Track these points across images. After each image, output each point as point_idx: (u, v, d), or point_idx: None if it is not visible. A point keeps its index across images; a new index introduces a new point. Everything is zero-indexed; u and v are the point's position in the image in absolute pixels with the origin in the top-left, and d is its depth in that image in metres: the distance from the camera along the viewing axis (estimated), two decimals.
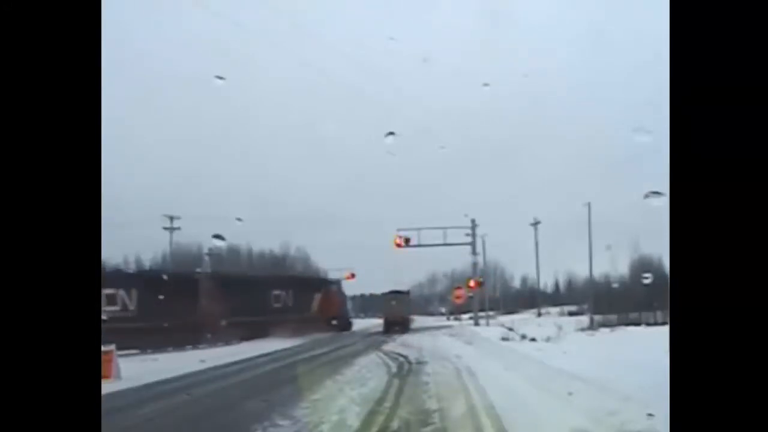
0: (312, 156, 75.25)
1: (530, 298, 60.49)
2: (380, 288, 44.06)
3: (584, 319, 32.89)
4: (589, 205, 35.19)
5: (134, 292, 25.53)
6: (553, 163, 72.77)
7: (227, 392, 11.80)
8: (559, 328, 22.85)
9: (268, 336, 27.70)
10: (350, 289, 44.90)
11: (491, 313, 43.61)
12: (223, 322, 26.18)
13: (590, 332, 25.94)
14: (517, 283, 72.23)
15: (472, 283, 39.54)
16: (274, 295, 33.58)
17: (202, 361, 17.77)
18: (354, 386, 10.82)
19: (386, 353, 18.99)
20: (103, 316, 24.15)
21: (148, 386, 12.77)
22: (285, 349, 22.81)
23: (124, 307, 25.15)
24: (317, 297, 36.74)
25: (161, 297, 24.31)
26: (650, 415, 5.84)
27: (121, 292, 25.13)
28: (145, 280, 27.40)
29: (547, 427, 6.63)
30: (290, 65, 70.46)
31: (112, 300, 24.31)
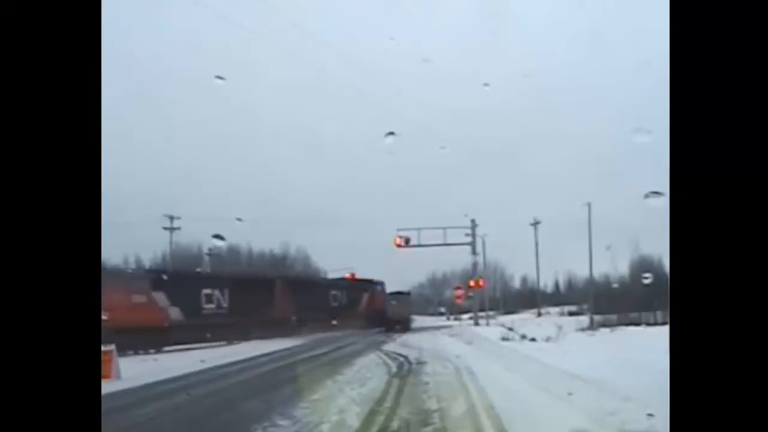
0: (312, 156, 75.18)
1: (530, 298, 60.47)
2: None
3: (584, 319, 32.90)
4: (589, 205, 35.26)
5: (226, 292, 29.19)
6: (553, 163, 72.79)
7: (227, 392, 11.80)
8: (559, 328, 22.85)
9: (330, 330, 32.05)
10: None
11: (491, 313, 43.78)
12: (294, 318, 31.48)
13: (590, 332, 25.94)
14: (517, 283, 72.25)
15: (473, 283, 39.52)
16: (332, 295, 39.06)
17: (202, 361, 17.78)
18: (354, 386, 10.82)
19: (386, 353, 19.00)
20: (203, 312, 27.67)
21: (147, 386, 12.77)
22: (285, 349, 22.83)
23: (219, 305, 28.84)
24: (365, 297, 42.65)
25: (247, 296, 29.42)
26: (650, 415, 5.84)
27: (216, 292, 28.71)
28: (233, 282, 30.84)
29: (547, 427, 6.63)
30: (290, 65, 70.55)
31: (209, 299, 28.45)
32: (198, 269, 37.88)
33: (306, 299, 33.73)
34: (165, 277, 26.73)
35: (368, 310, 41.60)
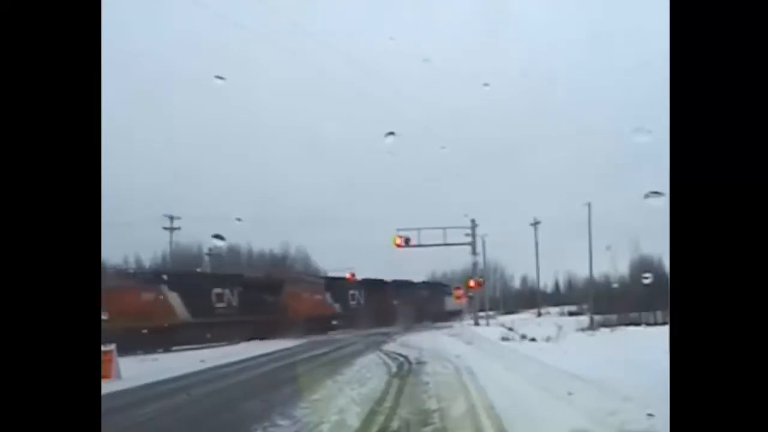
0: (312, 156, 75.22)
1: (530, 298, 60.49)
2: None
3: (584, 319, 32.87)
4: (589, 205, 35.22)
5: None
6: (553, 163, 72.88)
7: (226, 392, 11.80)
8: (559, 328, 22.83)
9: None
10: None
11: (491, 313, 43.94)
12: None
13: (590, 332, 25.92)
14: (517, 283, 72.36)
15: (472, 283, 39.52)
16: (350, 294, 41.80)
17: (202, 361, 17.78)
18: (354, 386, 10.83)
19: (386, 353, 19.00)
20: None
21: (147, 386, 12.78)
22: (286, 349, 22.83)
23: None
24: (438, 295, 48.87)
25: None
26: (650, 415, 5.84)
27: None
28: (329, 283, 36.84)
29: (547, 427, 6.63)
30: (290, 65, 70.63)
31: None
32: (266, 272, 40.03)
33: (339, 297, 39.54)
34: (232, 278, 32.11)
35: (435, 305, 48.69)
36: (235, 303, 30.99)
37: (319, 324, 34.83)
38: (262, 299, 32.37)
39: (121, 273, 29.73)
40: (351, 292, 40.52)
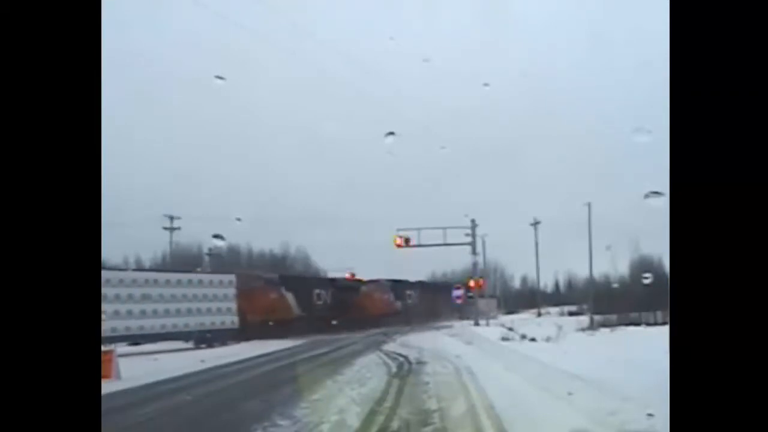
0: (312, 156, 75.19)
1: (530, 298, 60.48)
2: None
3: (584, 319, 32.86)
4: (589, 205, 35.18)
5: (330, 292, 38.65)
6: (553, 163, 72.92)
7: (226, 392, 11.80)
8: (559, 328, 22.82)
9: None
10: None
11: (491, 313, 43.82)
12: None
13: (590, 332, 25.91)
14: (517, 283, 72.33)
15: (472, 283, 39.53)
16: (407, 294, 47.99)
17: (202, 361, 17.79)
18: (354, 386, 10.83)
19: (386, 353, 19.00)
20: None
21: (147, 386, 12.78)
22: (285, 349, 22.84)
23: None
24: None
25: (345, 296, 39.10)
26: (650, 415, 5.84)
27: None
28: (335, 284, 40.44)
29: (547, 427, 6.63)
30: (290, 65, 70.59)
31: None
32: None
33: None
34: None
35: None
36: (328, 301, 38.56)
37: (385, 318, 41.57)
38: (346, 298, 39.97)
39: (254, 277, 34.01)
40: (408, 292, 47.46)
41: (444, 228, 35.93)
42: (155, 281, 26.55)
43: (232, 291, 29.64)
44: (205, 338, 26.68)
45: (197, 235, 44.16)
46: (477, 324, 36.20)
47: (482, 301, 49.37)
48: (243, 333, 28.46)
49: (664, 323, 23.06)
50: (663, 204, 3.81)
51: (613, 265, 35.18)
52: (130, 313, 24.48)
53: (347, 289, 40.77)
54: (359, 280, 43.54)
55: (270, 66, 66.42)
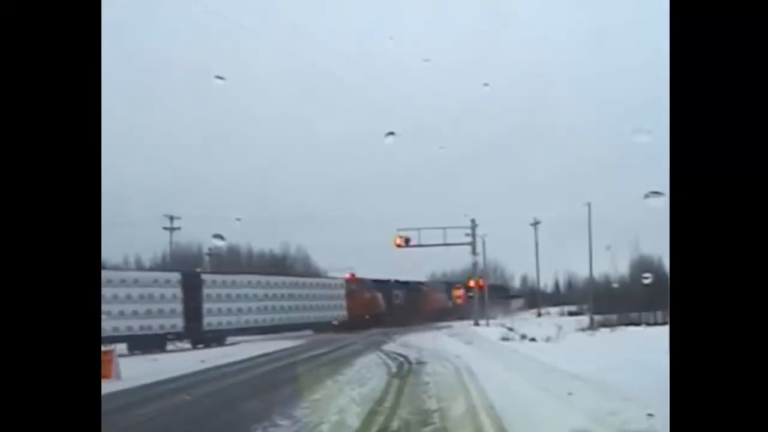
0: (312, 156, 75.26)
1: (530, 298, 60.43)
2: None
3: (584, 319, 32.85)
4: (589, 205, 35.18)
5: (402, 293, 45.38)
6: (553, 163, 72.88)
7: (226, 392, 11.80)
8: (559, 328, 22.81)
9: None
10: None
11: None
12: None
13: (590, 332, 25.89)
14: (517, 283, 72.24)
15: (472, 283, 39.52)
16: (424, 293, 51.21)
17: (202, 361, 17.79)
18: (354, 386, 10.83)
19: (386, 353, 18.99)
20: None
21: (147, 386, 12.78)
22: (285, 349, 22.84)
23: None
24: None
25: (413, 295, 45.91)
26: (650, 415, 5.84)
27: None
28: (406, 286, 46.50)
29: (547, 427, 6.63)
30: (290, 65, 70.45)
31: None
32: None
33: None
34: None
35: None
36: (402, 300, 45.32)
37: (440, 314, 46.30)
38: (414, 297, 46.66)
39: (355, 280, 40.81)
40: (456, 292, 51.84)
41: (444, 228, 35.98)
42: (283, 283, 34.15)
43: (342, 292, 38.40)
44: (325, 328, 34.95)
45: (197, 235, 44.17)
46: (477, 324, 36.20)
47: (514, 302, 54.34)
48: (350, 323, 36.59)
49: (664, 323, 23.03)
50: (663, 204, 3.80)
51: (613, 265, 35.09)
52: (275, 308, 32.21)
53: (413, 290, 48.13)
54: (420, 282, 51.30)
55: (270, 66, 66.36)
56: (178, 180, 57.45)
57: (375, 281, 42.76)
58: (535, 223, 51.09)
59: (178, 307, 26.83)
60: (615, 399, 7.14)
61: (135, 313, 25.04)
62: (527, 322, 34.26)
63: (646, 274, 23.80)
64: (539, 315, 48.42)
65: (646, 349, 10.83)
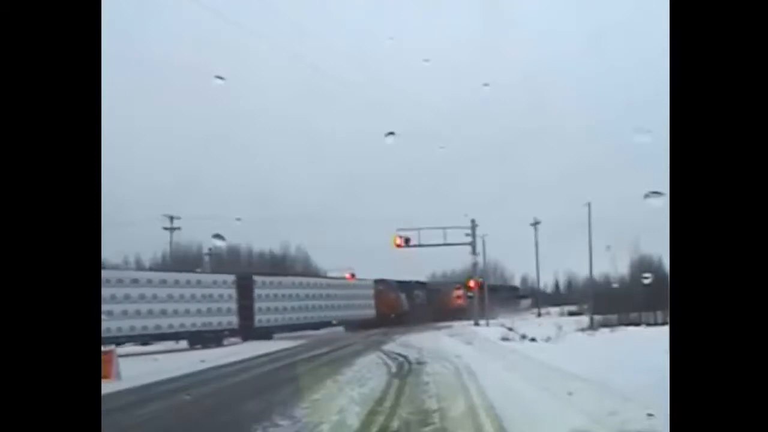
0: (312, 156, 75.27)
1: (530, 298, 60.45)
2: None
3: (584, 319, 32.84)
4: (589, 205, 35.13)
5: (423, 293, 49.05)
6: (554, 163, 72.94)
7: (226, 392, 11.80)
8: (559, 328, 22.81)
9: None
10: None
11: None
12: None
13: (590, 332, 25.88)
14: (517, 283, 72.16)
15: (472, 283, 39.53)
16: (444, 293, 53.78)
17: (202, 361, 17.78)
18: (354, 386, 10.83)
19: (386, 353, 18.98)
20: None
21: (147, 387, 12.77)
22: (285, 349, 22.84)
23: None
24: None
25: (433, 295, 49.57)
26: (650, 415, 5.84)
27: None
28: (426, 287, 50.53)
29: (547, 427, 6.63)
30: (290, 65, 70.53)
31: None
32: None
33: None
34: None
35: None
36: (422, 300, 48.55)
37: (458, 313, 47.41)
38: (433, 297, 49.88)
39: (382, 282, 43.52)
40: (456, 292, 53.30)
41: (444, 228, 36.02)
42: (321, 284, 37.66)
43: (371, 292, 41.76)
44: (354, 324, 38.24)
45: (197, 235, 44.21)
46: (477, 324, 36.19)
47: (524, 301, 55.41)
48: (377, 321, 39.61)
49: (664, 323, 23.03)
50: (663, 204, 3.80)
51: (613, 265, 35.03)
52: (314, 307, 35.52)
53: (433, 290, 51.45)
54: (437, 283, 54.71)
55: (270, 66, 66.45)
56: (178, 180, 57.51)
57: (399, 282, 45.75)
58: (535, 223, 51.14)
59: (233, 306, 29.55)
60: (615, 399, 7.15)
61: (198, 312, 27.66)
62: (527, 322, 34.25)
63: (646, 274, 23.79)
64: (539, 315, 48.44)
65: (646, 349, 10.83)
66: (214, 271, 36.15)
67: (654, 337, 14.04)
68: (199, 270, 36.08)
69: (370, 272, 43.00)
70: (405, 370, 13.61)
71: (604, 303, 33.85)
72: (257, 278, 32.36)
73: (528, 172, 71.48)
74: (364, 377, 12.39)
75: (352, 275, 42.45)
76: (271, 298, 32.30)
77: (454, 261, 55.68)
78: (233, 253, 49.50)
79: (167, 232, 43.38)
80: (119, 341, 21.89)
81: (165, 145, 62.63)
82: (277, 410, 8.43)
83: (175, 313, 26.29)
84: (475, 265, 39.13)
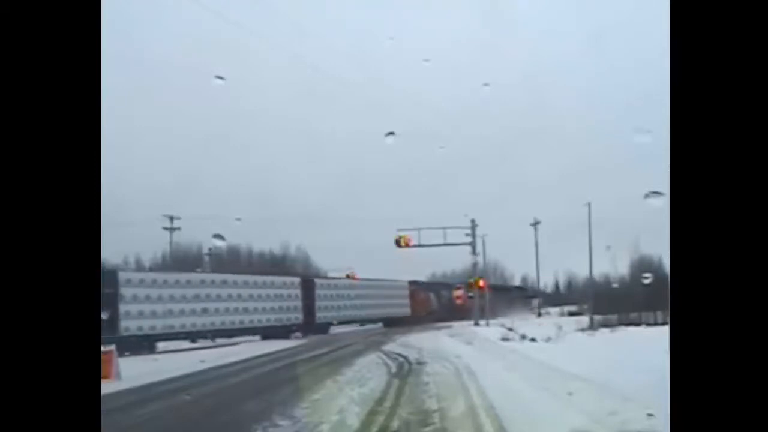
0: (312, 156, 75.26)
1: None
2: None
3: (584, 319, 32.84)
4: (589, 205, 35.11)
5: (447, 293, 52.86)
6: (554, 163, 72.90)
7: (226, 392, 11.80)
8: (559, 328, 22.82)
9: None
10: None
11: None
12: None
13: (590, 332, 25.87)
14: (517, 283, 72.15)
15: (481, 283, 39.48)
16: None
17: (202, 361, 17.78)
18: (354, 386, 10.83)
19: (386, 353, 18.98)
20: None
21: (147, 386, 12.77)
22: (286, 349, 22.85)
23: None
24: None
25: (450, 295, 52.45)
26: (650, 415, 5.84)
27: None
28: (435, 287, 53.60)
29: (547, 427, 6.63)
30: (290, 65, 70.50)
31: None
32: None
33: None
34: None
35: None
36: (447, 299, 52.02)
37: (464, 312, 49.07)
38: (452, 296, 52.80)
39: (415, 283, 47.86)
40: (456, 292, 55.66)
41: (444, 228, 36.05)
42: (368, 285, 41.73)
43: (406, 292, 46.37)
44: (392, 322, 41.77)
45: (197, 235, 44.21)
46: (477, 324, 36.19)
47: (534, 301, 57.01)
48: (411, 319, 43.52)
49: (664, 323, 23.04)
50: (663, 204, 3.80)
51: (613, 265, 35.05)
52: (362, 305, 40.29)
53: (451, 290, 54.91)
54: (459, 284, 55.69)
55: (270, 66, 66.36)
56: (178, 180, 57.49)
57: (428, 283, 51.58)
58: (535, 223, 51.16)
59: (299, 304, 34.43)
60: (615, 399, 7.15)
61: (272, 309, 32.31)
62: (527, 322, 34.22)
63: (646, 274, 23.79)
64: (539, 315, 48.44)
65: (646, 349, 10.82)
66: (322, 277, 41.11)
67: (654, 337, 14.03)
68: (199, 269, 36.23)
69: (370, 272, 43.05)
70: (405, 370, 13.61)
71: (604, 303, 33.85)
72: (318, 281, 38.29)
73: (528, 172, 71.48)
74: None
75: (351, 275, 42.47)
76: (330, 298, 37.60)
77: (454, 261, 55.76)
78: (233, 253, 49.53)
79: (167, 232, 43.41)
80: (204, 336, 26.98)
81: (165, 145, 62.64)
82: (277, 410, 8.43)
83: (257, 311, 31.33)
84: (475, 265, 39.14)
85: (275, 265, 52.14)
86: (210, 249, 44.13)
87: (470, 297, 42.71)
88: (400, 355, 17.95)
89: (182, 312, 27.15)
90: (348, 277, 42.09)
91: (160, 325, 25.99)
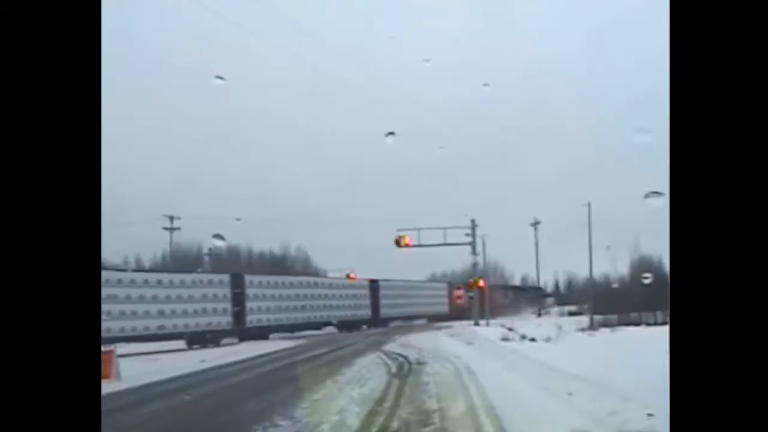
0: (312, 156, 75.30)
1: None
2: None
3: (584, 319, 32.85)
4: (589, 205, 35.07)
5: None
6: (554, 163, 72.89)
7: (226, 392, 11.80)
8: (559, 328, 22.83)
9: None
10: None
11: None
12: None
13: (590, 332, 25.89)
14: (517, 283, 72.16)
15: (482, 283, 39.47)
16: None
17: (202, 361, 17.79)
18: (354, 386, 10.82)
19: (386, 353, 18.98)
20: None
21: (147, 387, 12.77)
22: (285, 349, 22.85)
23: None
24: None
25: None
26: (650, 415, 5.84)
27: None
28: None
29: (547, 427, 6.63)
30: (290, 65, 70.51)
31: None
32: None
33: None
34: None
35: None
36: (478, 298, 53.83)
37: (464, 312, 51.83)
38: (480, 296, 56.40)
39: (449, 283, 53.46)
40: (456, 292, 57.39)
41: (444, 228, 36.07)
42: (412, 286, 47.82)
43: (445, 292, 52.21)
44: (428, 318, 47.01)
45: (197, 235, 44.26)
46: (477, 324, 36.19)
47: (548, 300, 58.47)
48: (449, 315, 48.12)
49: (664, 323, 23.04)
50: (663, 204, 3.81)
51: (613, 265, 35.03)
52: (408, 304, 46.51)
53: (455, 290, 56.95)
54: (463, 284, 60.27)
55: (270, 66, 66.38)
56: (178, 180, 57.51)
57: (459, 284, 53.39)
58: (535, 223, 51.29)
59: (368, 302, 41.41)
60: (615, 399, 7.14)
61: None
62: (527, 322, 34.26)
63: (646, 274, 23.79)
64: (539, 315, 48.47)
65: (646, 349, 10.83)
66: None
67: (654, 337, 14.04)
68: (199, 269, 36.29)
69: (370, 272, 43.07)
70: (405, 370, 13.62)
71: (604, 303, 33.84)
72: (382, 282, 43.35)
73: (528, 172, 71.46)
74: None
75: (351, 275, 42.47)
76: (389, 297, 43.85)
77: (454, 261, 55.78)
78: (233, 253, 49.52)
79: (167, 232, 43.49)
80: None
81: (165, 145, 62.67)
82: (277, 410, 8.43)
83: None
84: (475, 265, 39.14)
85: (275, 265, 52.10)
86: (210, 249, 44.19)
87: (470, 297, 42.74)
88: (400, 355, 17.94)
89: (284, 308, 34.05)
90: (347, 277, 42.06)
91: (273, 318, 33.02)
